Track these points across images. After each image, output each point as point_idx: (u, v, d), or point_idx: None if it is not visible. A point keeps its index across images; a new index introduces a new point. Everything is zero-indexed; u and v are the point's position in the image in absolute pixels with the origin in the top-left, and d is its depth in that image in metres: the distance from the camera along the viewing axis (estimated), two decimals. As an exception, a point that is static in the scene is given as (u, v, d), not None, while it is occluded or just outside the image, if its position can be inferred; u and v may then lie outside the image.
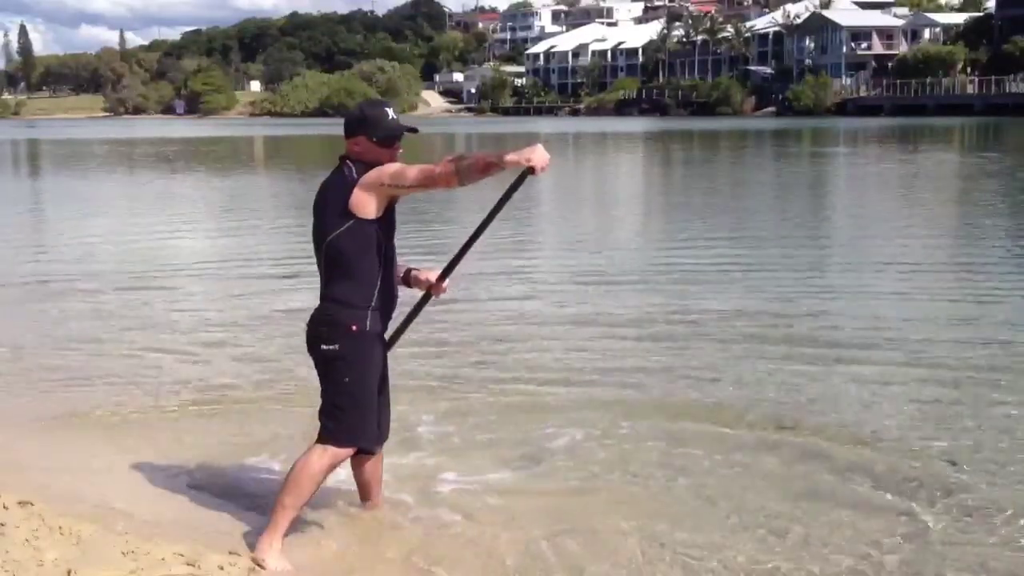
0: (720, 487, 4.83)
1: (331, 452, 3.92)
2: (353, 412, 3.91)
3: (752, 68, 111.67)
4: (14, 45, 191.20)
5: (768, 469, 5.08)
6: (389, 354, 4.15)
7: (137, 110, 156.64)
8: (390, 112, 3.97)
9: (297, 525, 4.22)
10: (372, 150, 3.89)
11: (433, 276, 4.14)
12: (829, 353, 7.29)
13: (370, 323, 3.89)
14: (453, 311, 8.47)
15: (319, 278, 3.99)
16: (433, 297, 4.18)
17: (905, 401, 6.19)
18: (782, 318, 8.52)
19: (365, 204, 3.81)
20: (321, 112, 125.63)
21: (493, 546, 4.23)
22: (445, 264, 4.13)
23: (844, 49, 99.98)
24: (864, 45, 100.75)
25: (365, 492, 4.43)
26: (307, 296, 7.06)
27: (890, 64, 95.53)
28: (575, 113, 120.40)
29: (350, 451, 3.98)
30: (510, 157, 3.66)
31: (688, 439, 5.50)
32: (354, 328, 3.87)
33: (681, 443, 5.43)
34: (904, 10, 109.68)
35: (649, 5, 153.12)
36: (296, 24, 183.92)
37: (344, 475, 4.74)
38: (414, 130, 4.03)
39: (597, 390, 6.50)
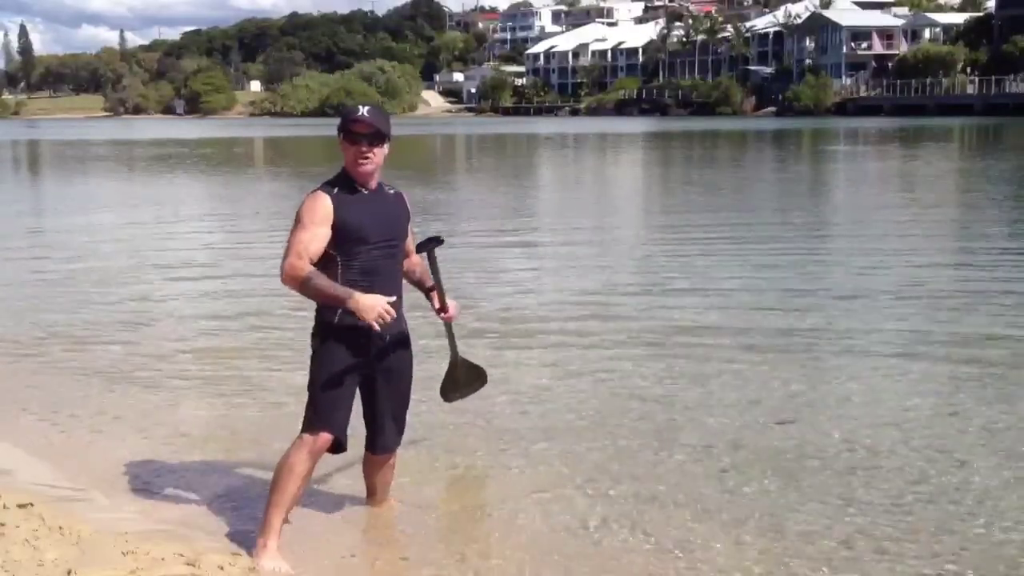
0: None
1: (302, 440, 3.94)
2: (317, 398, 3.96)
3: (752, 68, 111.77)
4: (14, 45, 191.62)
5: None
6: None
7: (137, 110, 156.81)
8: (360, 110, 3.92)
9: (297, 524, 4.21)
10: (342, 144, 3.95)
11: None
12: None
13: (338, 319, 3.91)
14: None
15: None
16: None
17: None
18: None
19: None
20: (321, 112, 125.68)
21: (496, 545, 4.21)
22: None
23: (844, 49, 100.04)
24: (864, 45, 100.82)
25: (369, 491, 4.47)
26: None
27: (890, 64, 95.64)
28: (575, 113, 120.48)
29: (322, 437, 3.93)
30: (350, 304, 3.76)
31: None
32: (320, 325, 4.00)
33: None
34: (904, 10, 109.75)
35: (649, 5, 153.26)
36: (296, 24, 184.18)
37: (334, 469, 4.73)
38: (358, 132, 3.88)
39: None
